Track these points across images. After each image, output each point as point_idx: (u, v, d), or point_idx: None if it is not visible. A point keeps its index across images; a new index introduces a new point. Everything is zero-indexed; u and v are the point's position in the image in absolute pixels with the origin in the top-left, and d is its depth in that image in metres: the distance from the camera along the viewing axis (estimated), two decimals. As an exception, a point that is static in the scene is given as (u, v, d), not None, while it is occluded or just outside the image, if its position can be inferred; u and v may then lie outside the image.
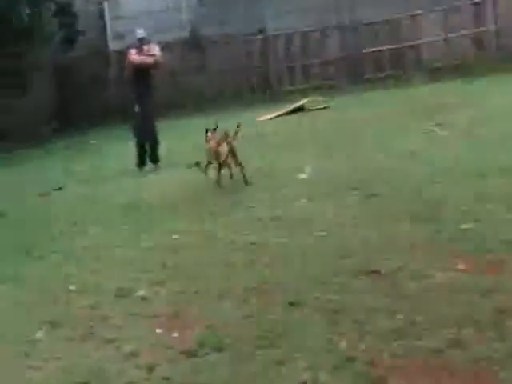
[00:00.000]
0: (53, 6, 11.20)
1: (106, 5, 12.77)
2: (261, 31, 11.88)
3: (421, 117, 6.98)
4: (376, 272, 2.87)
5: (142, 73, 6.57)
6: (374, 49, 11.65)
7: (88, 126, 10.97)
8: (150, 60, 6.53)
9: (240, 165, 5.14)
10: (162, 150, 6.69)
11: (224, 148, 5.08)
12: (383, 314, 2.47)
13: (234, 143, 5.13)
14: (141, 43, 6.58)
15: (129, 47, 6.84)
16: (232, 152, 5.10)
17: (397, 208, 3.84)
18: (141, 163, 6.64)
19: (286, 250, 3.43)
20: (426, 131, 6.20)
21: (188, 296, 2.96)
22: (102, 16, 12.90)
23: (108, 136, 9.73)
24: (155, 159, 6.60)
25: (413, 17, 11.64)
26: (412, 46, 11.66)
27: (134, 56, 6.52)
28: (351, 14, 11.91)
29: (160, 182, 5.87)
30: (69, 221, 4.82)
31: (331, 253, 3.25)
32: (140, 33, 6.68)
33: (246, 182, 5.09)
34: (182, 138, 8.02)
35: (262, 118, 9.16)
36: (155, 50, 6.61)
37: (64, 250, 4.04)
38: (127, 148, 7.08)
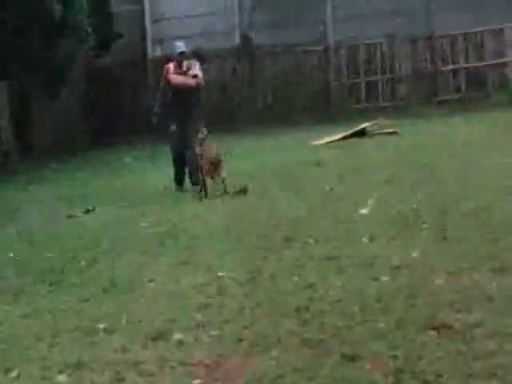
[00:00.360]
0: (85, 5, 11.09)
1: (146, 5, 13.02)
2: (321, 41, 11.99)
3: (509, 146, 6.92)
4: (447, 326, 2.85)
5: (182, 92, 6.84)
6: (451, 66, 11.64)
7: (123, 141, 11.21)
8: (191, 82, 6.75)
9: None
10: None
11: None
12: (456, 378, 2.45)
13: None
14: (181, 58, 6.80)
15: (167, 61, 7.07)
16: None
17: (474, 253, 3.82)
18: (178, 183, 7.03)
19: (344, 295, 3.44)
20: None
21: (231, 343, 2.97)
22: (141, 18, 13.16)
23: (145, 153, 9.95)
24: (195, 181, 6.79)
25: (497, 31, 11.60)
26: (496, 65, 11.59)
27: (174, 76, 6.77)
28: (426, 24, 11.95)
29: (202, 208, 6.00)
30: (98, 248, 4.94)
31: (394, 302, 3.24)
32: (180, 46, 6.89)
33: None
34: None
35: (317, 142, 9.19)
36: (195, 69, 6.81)
37: (91, 281, 4.14)
38: (165, 167, 7.27)
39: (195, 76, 6.77)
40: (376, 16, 11.78)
